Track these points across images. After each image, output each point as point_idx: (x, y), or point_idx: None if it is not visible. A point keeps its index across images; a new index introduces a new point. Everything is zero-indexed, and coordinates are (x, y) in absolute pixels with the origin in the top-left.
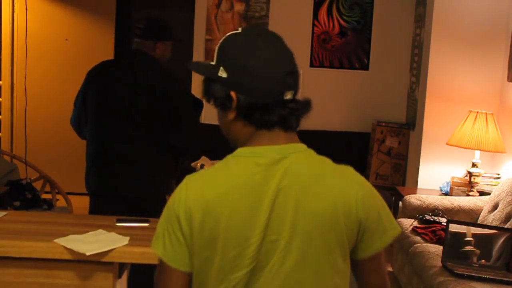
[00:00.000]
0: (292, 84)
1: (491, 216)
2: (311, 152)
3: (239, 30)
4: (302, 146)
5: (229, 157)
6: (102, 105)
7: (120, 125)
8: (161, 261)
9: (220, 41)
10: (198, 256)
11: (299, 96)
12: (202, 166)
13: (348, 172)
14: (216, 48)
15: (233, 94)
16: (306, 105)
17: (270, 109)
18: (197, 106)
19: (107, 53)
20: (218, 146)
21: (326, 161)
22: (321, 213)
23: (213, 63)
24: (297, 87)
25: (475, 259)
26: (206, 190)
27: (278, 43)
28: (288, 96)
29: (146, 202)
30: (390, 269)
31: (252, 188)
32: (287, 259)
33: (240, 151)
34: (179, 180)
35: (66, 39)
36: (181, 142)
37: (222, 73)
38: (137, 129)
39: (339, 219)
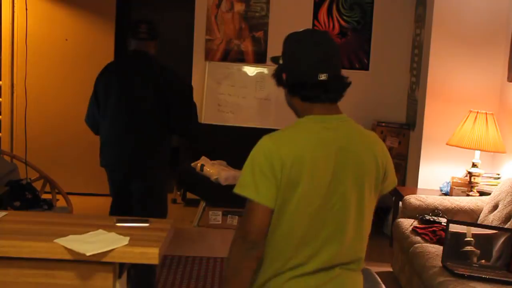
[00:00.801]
0: (325, 68)
1: (491, 216)
2: (352, 119)
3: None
4: (345, 115)
5: (300, 121)
6: (109, 97)
7: (125, 114)
8: (250, 203)
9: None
10: (283, 194)
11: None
12: (202, 166)
13: (374, 134)
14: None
15: (283, 75)
16: (341, 84)
17: (306, 86)
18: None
19: (107, 53)
20: (218, 146)
21: (361, 126)
22: (369, 164)
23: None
24: (332, 70)
25: (475, 259)
26: (293, 143)
27: (321, 38)
28: (322, 77)
29: (138, 178)
30: (390, 269)
31: (324, 144)
32: (345, 199)
33: (309, 117)
34: (179, 180)
35: (66, 39)
36: (183, 125)
37: (281, 61)
38: (140, 120)
39: (379, 168)
